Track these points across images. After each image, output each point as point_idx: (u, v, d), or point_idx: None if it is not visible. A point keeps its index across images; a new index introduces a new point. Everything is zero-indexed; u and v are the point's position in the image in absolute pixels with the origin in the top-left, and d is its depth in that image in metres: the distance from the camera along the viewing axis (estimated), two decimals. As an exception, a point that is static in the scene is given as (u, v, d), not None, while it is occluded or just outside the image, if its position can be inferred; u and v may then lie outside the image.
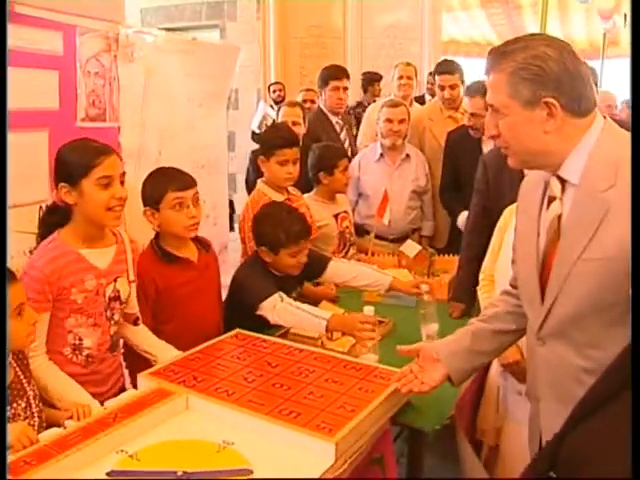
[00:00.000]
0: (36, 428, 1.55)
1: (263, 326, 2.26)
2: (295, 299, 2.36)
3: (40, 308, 1.73)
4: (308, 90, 5.24)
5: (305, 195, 3.13)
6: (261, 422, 1.54)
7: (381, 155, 3.56)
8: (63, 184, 1.78)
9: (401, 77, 4.50)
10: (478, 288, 2.42)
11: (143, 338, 2.07)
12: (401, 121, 3.44)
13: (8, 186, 1.76)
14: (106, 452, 1.43)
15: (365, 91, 6.15)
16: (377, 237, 3.35)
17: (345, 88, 4.05)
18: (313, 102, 5.02)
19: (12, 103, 1.86)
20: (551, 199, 1.43)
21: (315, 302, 2.65)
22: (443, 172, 3.58)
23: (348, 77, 4.14)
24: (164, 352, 2.01)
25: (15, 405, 1.55)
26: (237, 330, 2.14)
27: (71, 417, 1.59)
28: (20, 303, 1.52)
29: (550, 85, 1.30)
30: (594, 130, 1.36)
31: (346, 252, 3.21)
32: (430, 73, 6.78)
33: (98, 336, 1.89)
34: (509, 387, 2.24)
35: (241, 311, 2.30)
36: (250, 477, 1.37)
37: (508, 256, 2.12)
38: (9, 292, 1.48)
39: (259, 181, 2.82)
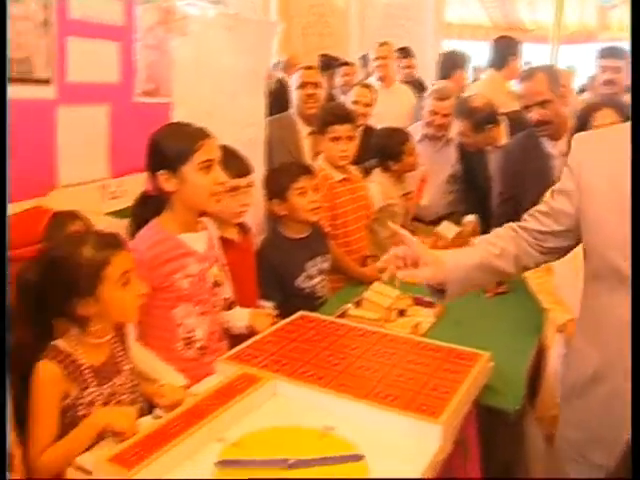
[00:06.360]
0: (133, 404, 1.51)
1: (297, 297, 2.40)
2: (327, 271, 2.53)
3: None
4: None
5: (375, 171, 3.20)
6: (360, 407, 1.49)
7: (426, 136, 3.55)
8: (162, 172, 1.68)
9: (377, 58, 4.43)
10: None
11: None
12: (445, 115, 3.44)
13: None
14: (207, 441, 1.37)
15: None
16: (413, 219, 3.38)
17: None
18: None
19: (70, 75, 1.76)
20: None
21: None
22: None
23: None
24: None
25: (108, 384, 1.49)
26: (301, 312, 2.08)
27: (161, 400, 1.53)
28: (125, 271, 1.45)
29: None
30: None
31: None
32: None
33: (208, 324, 1.80)
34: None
35: (274, 285, 2.37)
36: (362, 462, 1.32)
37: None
38: (114, 260, 1.42)
39: (320, 157, 2.78)
